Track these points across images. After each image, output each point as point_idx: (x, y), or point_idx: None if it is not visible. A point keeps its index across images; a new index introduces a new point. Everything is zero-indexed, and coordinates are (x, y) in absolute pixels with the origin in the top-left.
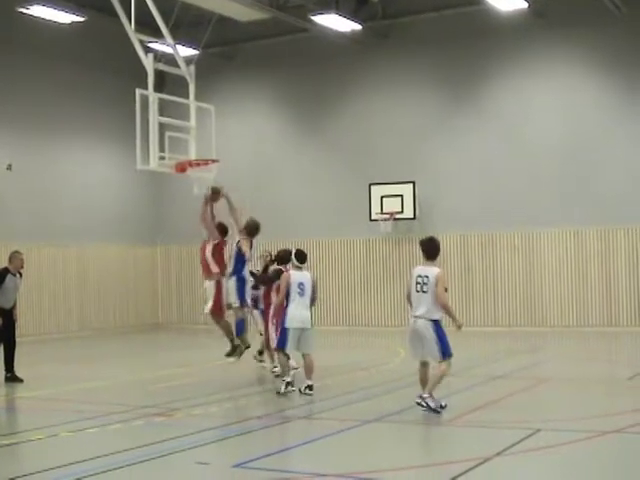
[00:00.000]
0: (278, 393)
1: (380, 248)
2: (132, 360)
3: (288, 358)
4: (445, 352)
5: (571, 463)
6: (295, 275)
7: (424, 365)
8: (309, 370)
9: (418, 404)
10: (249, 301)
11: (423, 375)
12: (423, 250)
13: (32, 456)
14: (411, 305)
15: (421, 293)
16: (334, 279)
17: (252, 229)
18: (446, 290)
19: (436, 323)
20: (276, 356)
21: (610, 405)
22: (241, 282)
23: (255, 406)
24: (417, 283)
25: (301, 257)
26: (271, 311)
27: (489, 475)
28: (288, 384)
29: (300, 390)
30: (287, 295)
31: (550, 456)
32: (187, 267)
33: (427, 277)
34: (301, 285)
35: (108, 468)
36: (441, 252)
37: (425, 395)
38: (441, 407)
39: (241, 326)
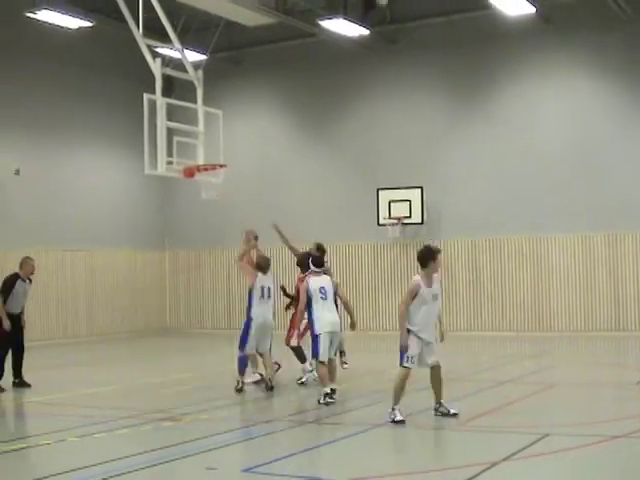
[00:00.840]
0: (318, 402)
1: (388, 253)
2: (140, 365)
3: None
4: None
5: (579, 468)
6: (315, 281)
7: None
8: (333, 375)
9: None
10: (250, 345)
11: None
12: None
13: (40, 461)
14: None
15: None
16: (342, 283)
17: (265, 265)
18: None
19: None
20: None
21: (618, 410)
22: (246, 326)
23: (263, 411)
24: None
25: (318, 262)
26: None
27: None
28: (327, 394)
29: (319, 401)
30: (309, 302)
31: (558, 461)
32: (195, 272)
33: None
34: (322, 289)
35: (116, 473)
36: (449, 257)
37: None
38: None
39: (242, 363)
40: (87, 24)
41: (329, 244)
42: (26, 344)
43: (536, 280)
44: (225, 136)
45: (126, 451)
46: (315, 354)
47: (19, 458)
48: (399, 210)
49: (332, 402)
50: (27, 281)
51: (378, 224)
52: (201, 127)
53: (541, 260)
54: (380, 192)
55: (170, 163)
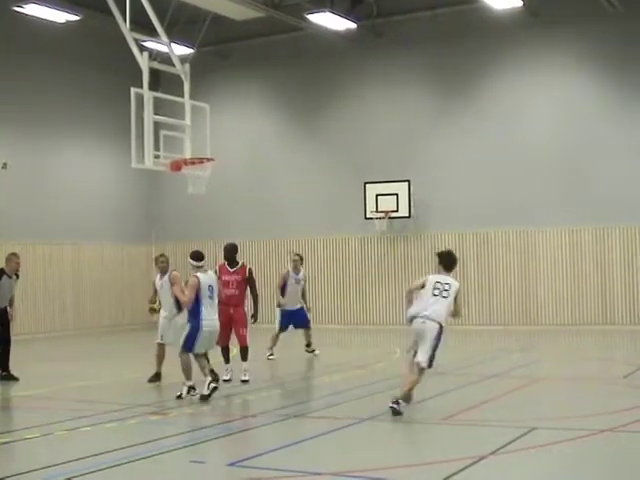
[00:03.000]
0: (179, 397)
1: (375, 246)
2: (127, 359)
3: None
4: (432, 361)
5: (566, 461)
6: (203, 278)
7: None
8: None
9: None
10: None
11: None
12: (443, 263)
13: (26, 455)
14: (409, 301)
15: (440, 297)
16: (329, 277)
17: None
18: None
19: (441, 329)
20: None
21: (605, 403)
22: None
23: (249, 404)
24: (436, 288)
25: (197, 256)
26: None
27: (484, 474)
28: (192, 388)
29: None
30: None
31: (545, 454)
32: (182, 265)
33: (448, 285)
34: (210, 287)
35: (102, 467)
36: (436, 251)
37: (401, 401)
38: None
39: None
40: (74, 18)
41: (317, 238)
42: (13, 338)
43: (524, 274)
44: (212, 130)
45: (113, 445)
46: (189, 347)
47: (4, 452)
48: (386, 204)
49: (194, 395)
50: (13, 277)
51: (365, 218)
52: (188, 121)
53: (528, 253)
54: (367, 186)
55: (157, 157)
